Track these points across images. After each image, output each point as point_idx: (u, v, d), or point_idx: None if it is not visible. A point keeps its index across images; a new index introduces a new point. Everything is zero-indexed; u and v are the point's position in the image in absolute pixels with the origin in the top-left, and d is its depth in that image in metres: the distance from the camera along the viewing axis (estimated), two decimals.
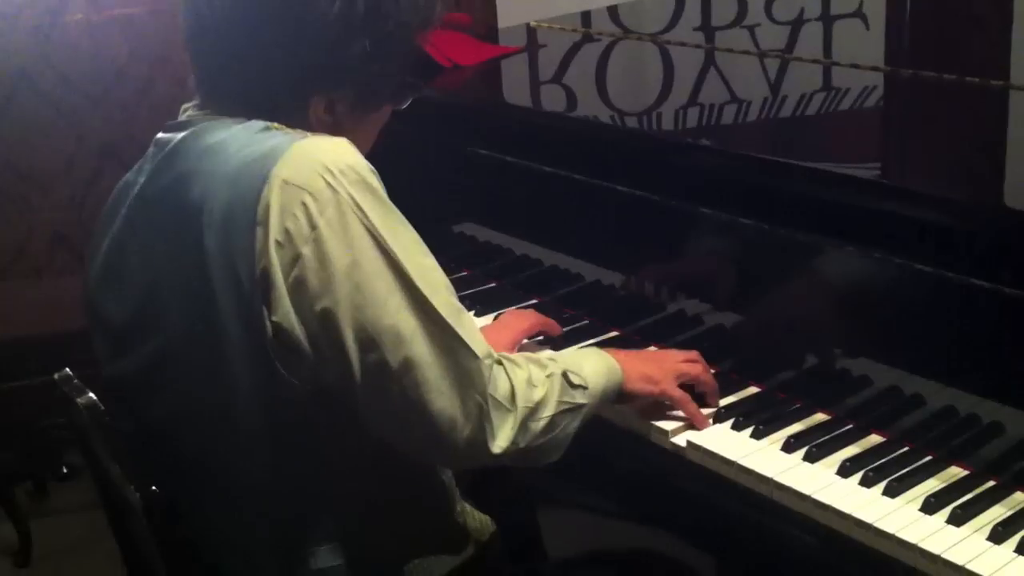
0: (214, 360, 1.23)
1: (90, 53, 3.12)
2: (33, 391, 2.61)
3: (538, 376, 1.33)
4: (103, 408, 1.36)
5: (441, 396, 1.23)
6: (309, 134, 1.27)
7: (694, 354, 1.57)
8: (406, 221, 1.27)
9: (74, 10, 3.08)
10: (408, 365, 1.22)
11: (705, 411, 1.54)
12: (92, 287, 1.39)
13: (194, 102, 1.35)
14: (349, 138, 1.34)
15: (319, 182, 1.20)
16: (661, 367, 1.51)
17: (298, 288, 1.20)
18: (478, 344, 1.27)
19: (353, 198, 1.21)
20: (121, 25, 3.13)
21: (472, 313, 1.86)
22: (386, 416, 1.26)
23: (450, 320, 1.24)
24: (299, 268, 1.19)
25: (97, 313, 1.38)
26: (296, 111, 1.31)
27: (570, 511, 1.37)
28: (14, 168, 3.12)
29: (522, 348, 1.70)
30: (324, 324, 1.21)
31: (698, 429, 1.51)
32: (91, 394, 1.37)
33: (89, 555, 2.69)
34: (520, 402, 1.29)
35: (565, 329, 1.79)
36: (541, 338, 1.77)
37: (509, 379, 1.29)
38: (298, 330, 1.21)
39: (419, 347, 1.22)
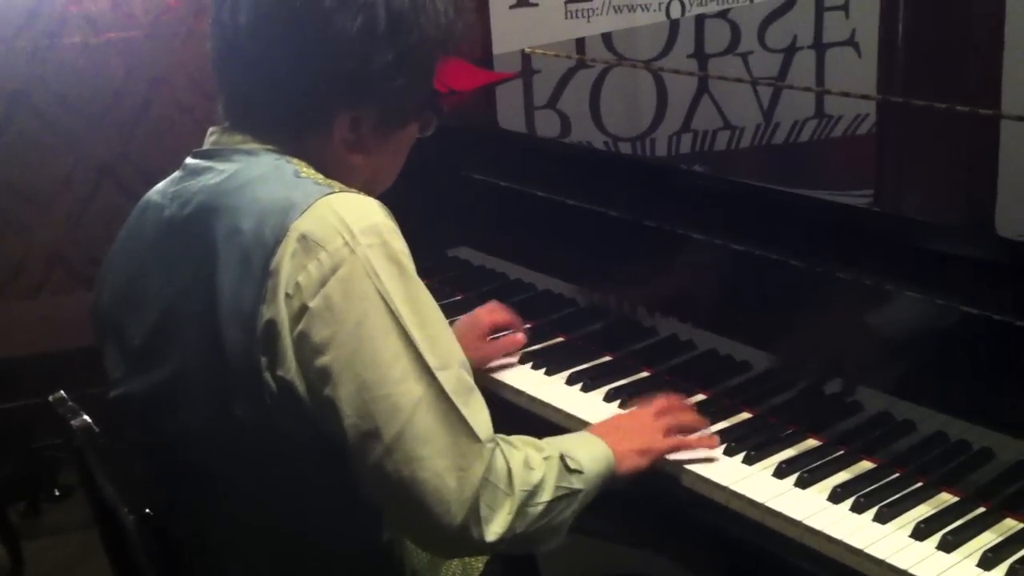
0: (220, 393, 1.23)
1: (88, 75, 3.13)
2: (27, 411, 2.60)
3: (535, 458, 1.28)
4: (98, 430, 1.36)
5: (435, 477, 1.18)
6: (340, 187, 1.25)
7: (663, 402, 1.53)
8: (424, 289, 1.24)
9: (72, 32, 3.10)
10: (402, 438, 1.18)
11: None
12: (110, 303, 1.37)
13: (221, 126, 1.33)
14: (373, 159, 1.34)
15: (337, 240, 1.19)
16: (643, 434, 1.47)
17: (302, 341, 1.18)
18: (482, 426, 1.22)
19: (370, 260, 1.19)
20: (118, 47, 3.15)
21: None
22: (376, 487, 1.21)
23: (455, 398, 1.20)
24: (305, 321, 1.18)
25: (113, 330, 1.36)
26: (322, 130, 1.30)
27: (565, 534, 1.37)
28: (12, 188, 3.13)
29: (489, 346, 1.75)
30: (323, 380, 1.18)
31: (712, 449, 1.50)
32: (85, 416, 1.36)
33: (81, 575, 2.68)
34: (518, 485, 1.24)
35: (559, 355, 1.80)
36: (504, 333, 1.80)
37: (506, 461, 1.24)
38: (299, 383, 1.19)
39: (418, 422, 1.18)
